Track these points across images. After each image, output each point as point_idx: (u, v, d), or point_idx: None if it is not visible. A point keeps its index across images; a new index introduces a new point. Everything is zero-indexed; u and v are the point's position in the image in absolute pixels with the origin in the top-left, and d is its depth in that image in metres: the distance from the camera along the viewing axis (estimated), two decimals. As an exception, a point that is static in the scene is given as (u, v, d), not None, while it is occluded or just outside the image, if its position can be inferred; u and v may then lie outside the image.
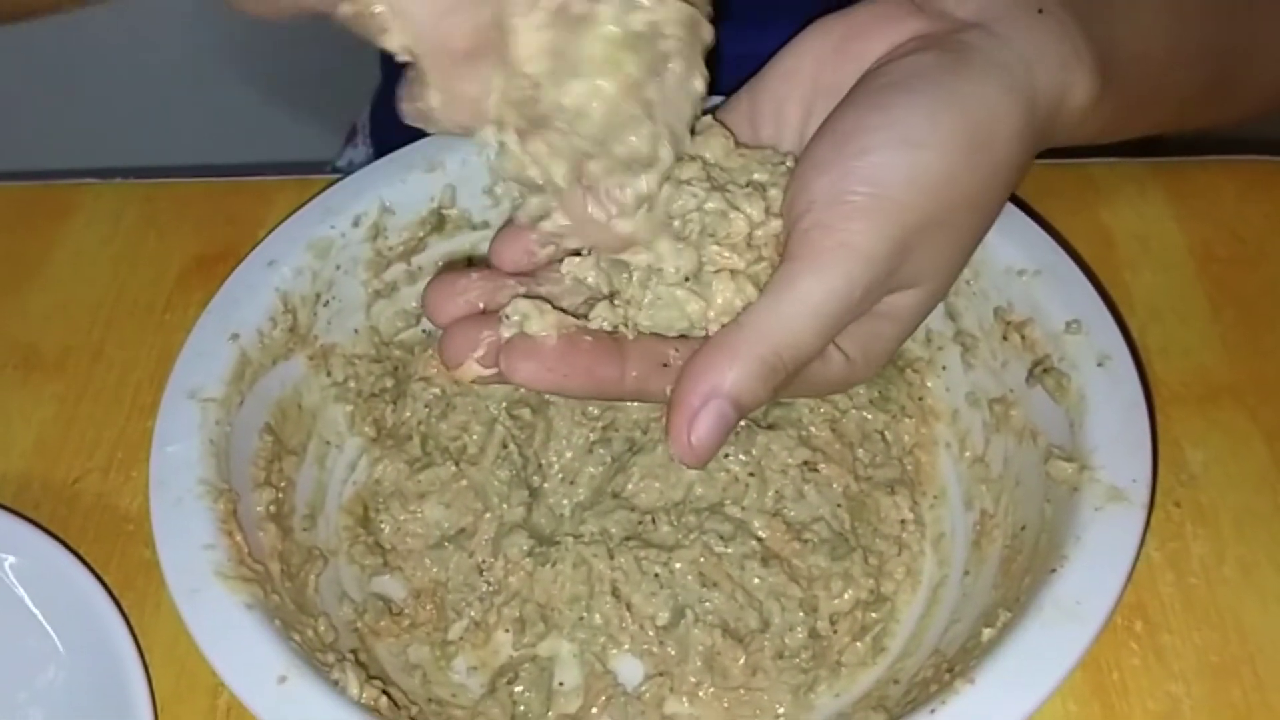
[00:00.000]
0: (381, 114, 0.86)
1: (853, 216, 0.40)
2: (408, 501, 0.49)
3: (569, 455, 0.50)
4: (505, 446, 0.49)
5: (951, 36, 0.44)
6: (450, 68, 0.38)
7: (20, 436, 0.53)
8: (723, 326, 0.42)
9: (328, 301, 0.51)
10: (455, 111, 0.39)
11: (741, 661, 0.45)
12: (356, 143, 0.88)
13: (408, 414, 0.51)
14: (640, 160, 0.40)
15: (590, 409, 0.50)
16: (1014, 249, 0.48)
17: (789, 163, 0.44)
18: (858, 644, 0.46)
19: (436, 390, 0.51)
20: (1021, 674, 0.37)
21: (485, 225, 0.54)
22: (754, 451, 0.48)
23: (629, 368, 0.42)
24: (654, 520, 0.47)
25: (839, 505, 0.48)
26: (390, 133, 0.83)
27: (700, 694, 0.45)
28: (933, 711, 0.37)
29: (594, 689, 0.46)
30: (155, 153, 1.00)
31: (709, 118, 0.45)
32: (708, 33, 0.40)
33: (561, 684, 0.46)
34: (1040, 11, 0.45)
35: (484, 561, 0.48)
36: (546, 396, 0.50)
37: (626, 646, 0.46)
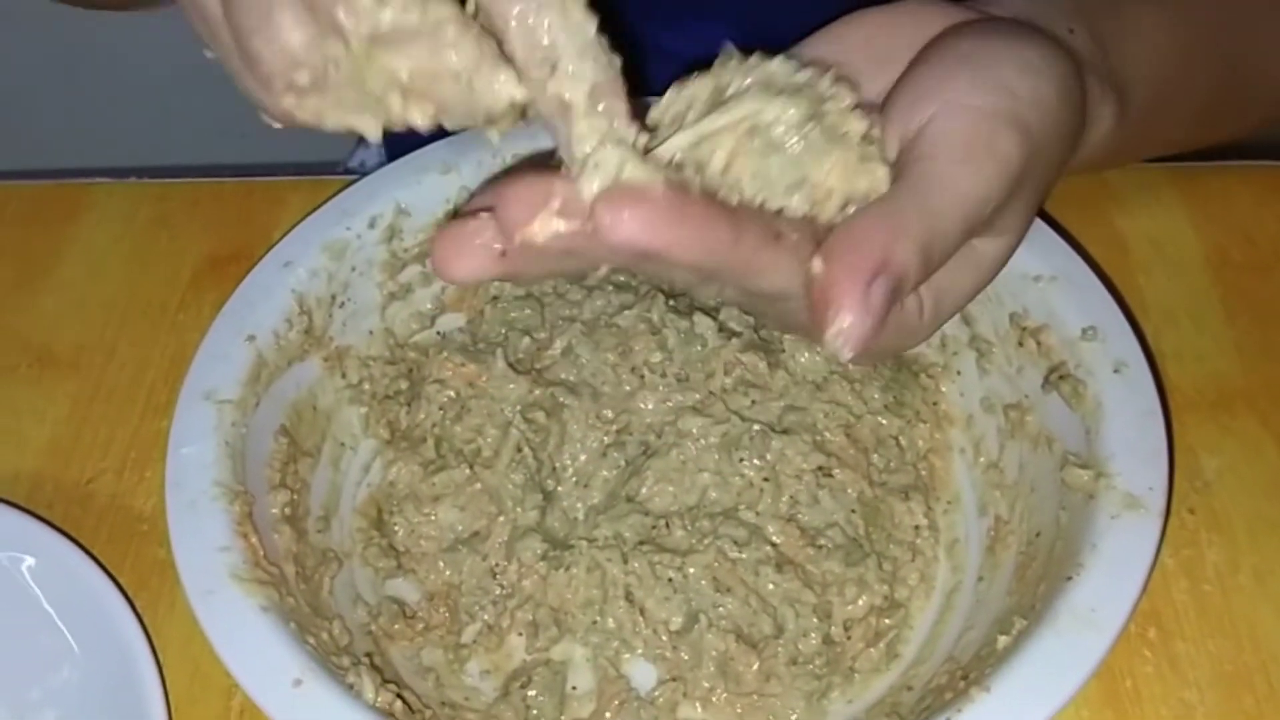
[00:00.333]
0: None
1: (994, 123, 0.38)
2: (422, 504, 0.50)
3: (583, 458, 0.49)
4: (519, 450, 0.49)
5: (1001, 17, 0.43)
6: None
7: (34, 436, 0.53)
8: (856, 210, 0.37)
9: (343, 303, 0.51)
10: None
11: (755, 667, 0.45)
12: (369, 143, 0.88)
13: (422, 416, 0.51)
14: None
15: (605, 411, 0.50)
16: (1030, 254, 0.48)
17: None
18: (871, 650, 0.46)
19: (451, 393, 0.51)
20: (1038, 683, 0.37)
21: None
22: (768, 456, 0.48)
23: (743, 232, 0.35)
24: (668, 525, 0.47)
25: (853, 510, 0.48)
26: (401, 133, 0.83)
27: (713, 699, 0.45)
28: (949, 720, 0.37)
29: (607, 693, 0.46)
30: (168, 152, 1.00)
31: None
32: None
33: (574, 688, 0.46)
34: (1071, 31, 0.45)
35: (498, 565, 0.48)
36: (562, 399, 0.49)
37: (640, 651, 0.46)
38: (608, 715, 0.45)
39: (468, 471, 0.49)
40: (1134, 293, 0.55)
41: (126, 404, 0.54)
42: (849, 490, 0.48)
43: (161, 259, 0.60)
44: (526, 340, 0.52)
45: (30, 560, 0.46)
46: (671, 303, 0.51)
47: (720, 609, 0.45)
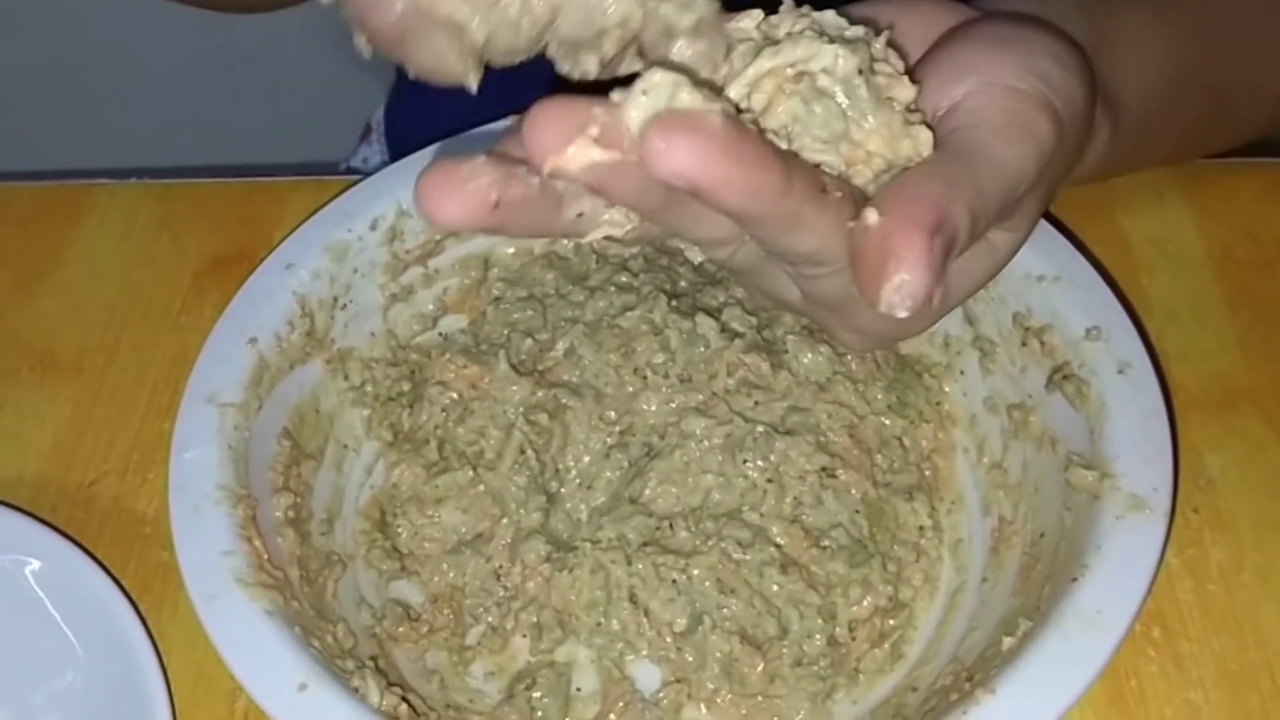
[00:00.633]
0: (396, 112, 0.86)
1: (1033, 106, 0.38)
2: (425, 506, 0.49)
3: (586, 460, 0.49)
4: (523, 451, 0.49)
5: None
6: None
7: (36, 439, 0.53)
8: (902, 170, 0.36)
9: (345, 305, 0.51)
10: None
11: (759, 668, 0.45)
12: (371, 141, 0.88)
13: (425, 418, 0.51)
14: None
15: (608, 413, 0.50)
16: (1033, 254, 0.48)
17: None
18: (876, 651, 0.46)
19: (453, 395, 0.51)
20: (1043, 684, 0.37)
21: (502, 228, 0.54)
22: (772, 457, 0.47)
23: (794, 180, 0.33)
24: (672, 526, 0.47)
25: (857, 511, 0.47)
26: (404, 131, 0.84)
27: (718, 701, 0.45)
28: (954, 722, 0.37)
29: (611, 695, 0.46)
30: (169, 153, 1.00)
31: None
32: None
33: (579, 690, 0.46)
34: (1079, 50, 0.45)
35: (501, 567, 0.48)
36: (565, 400, 0.49)
37: (644, 653, 0.46)
38: (612, 717, 0.45)
39: (471, 473, 0.49)
40: (1137, 292, 0.55)
41: (128, 406, 0.54)
42: (853, 491, 0.48)
43: (163, 260, 0.60)
44: (529, 342, 0.52)
45: (34, 563, 0.46)
46: (674, 304, 0.51)
47: (724, 610, 0.45)
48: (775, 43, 0.35)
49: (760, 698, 0.45)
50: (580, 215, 0.35)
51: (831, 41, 0.35)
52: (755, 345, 0.50)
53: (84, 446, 0.53)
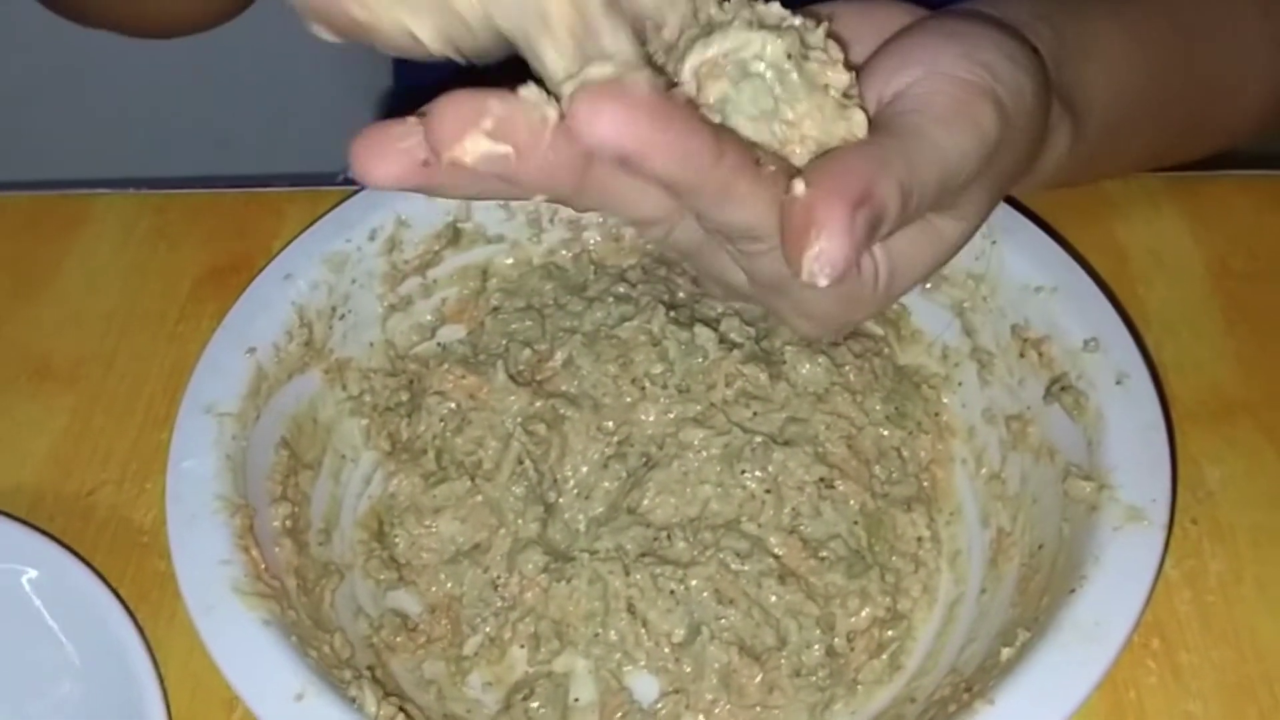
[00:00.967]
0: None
1: (976, 95, 0.38)
2: (423, 516, 0.49)
3: (584, 470, 0.49)
4: (520, 462, 0.49)
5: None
6: None
7: (34, 448, 0.53)
8: (827, 152, 0.36)
9: (343, 315, 0.51)
10: None
11: (758, 679, 0.45)
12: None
13: (423, 428, 0.51)
14: None
15: (606, 423, 0.50)
16: (1031, 265, 0.48)
17: None
18: (874, 662, 0.46)
19: (452, 405, 0.51)
20: (1041, 696, 0.37)
21: (500, 239, 0.54)
22: (770, 468, 0.47)
23: (725, 150, 0.33)
24: (670, 536, 0.47)
25: (855, 522, 0.47)
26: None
27: (716, 711, 0.45)
28: (953, 733, 0.37)
29: (609, 705, 0.46)
30: (167, 164, 1.00)
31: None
32: None
33: (576, 700, 0.46)
34: (1034, 51, 0.45)
35: (499, 577, 0.48)
36: (562, 411, 0.49)
37: (642, 663, 0.46)
38: (610, 727, 0.45)
39: (469, 483, 0.49)
40: (1134, 302, 0.55)
41: (126, 415, 0.54)
42: (851, 502, 0.48)
43: (161, 270, 0.60)
44: (527, 352, 0.52)
45: (31, 573, 0.46)
46: (672, 314, 0.51)
47: (722, 621, 0.45)
48: (711, 32, 0.36)
49: (758, 708, 0.45)
50: None
51: (766, 29, 0.36)
52: (753, 356, 0.50)
53: (81, 456, 0.53)
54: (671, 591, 0.46)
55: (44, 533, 0.47)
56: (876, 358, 0.51)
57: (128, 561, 0.49)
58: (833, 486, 0.48)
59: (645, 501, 0.48)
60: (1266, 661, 0.45)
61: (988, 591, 0.46)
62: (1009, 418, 0.48)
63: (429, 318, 0.54)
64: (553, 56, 0.33)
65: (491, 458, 0.50)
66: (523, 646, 0.47)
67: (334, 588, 0.47)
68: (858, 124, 0.37)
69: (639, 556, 0.47)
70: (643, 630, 0.46)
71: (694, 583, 0.46)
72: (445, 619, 0.48)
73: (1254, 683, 0.45)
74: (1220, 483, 0.50)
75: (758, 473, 0.48)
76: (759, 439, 0.48)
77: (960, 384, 0.51)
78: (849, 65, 0.38)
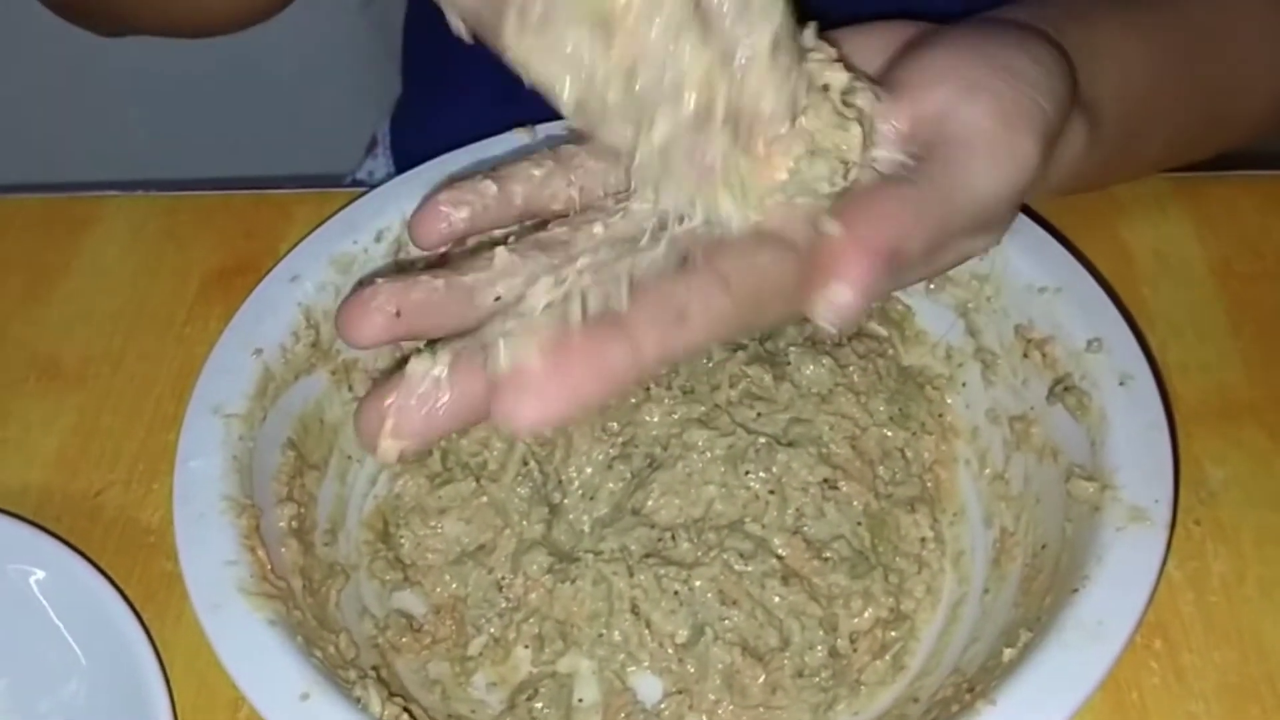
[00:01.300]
0: (401, 125, 0.86)
1: (1021, 123, 0.38)
2: (428, 517, 0.50)
3: (589, 471, 0.50)
4: (525, 463, 0.49)
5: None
6: None
7: (42, 448, 0.54)
8: (884, 180, 0.37)
9: (349, 316, 0.51)
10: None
11: (761, 680, 0.45)
12: (376, 153, 0.88)
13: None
14: None
15: (610, 424, 0.50)
16: (1034, 266, 0.48)
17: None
18: (877, 662, 0.46)
19: (457, 406, 0.51)
20: (1043, 695, 0.37)
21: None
22: (774, 469, 0.48)
23: (640, 339, 0.34)
24: (674, 537, 0.47)
25: (859, 523, 0.48)
26: (410, 144, 0.84)
27: (719, 712, 0.45)
28: (954, 732, 0.37)
29: (613, 706, 0.46)
30: (176, 166, 1.00)
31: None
32: None
33: (580, 700, 0.46)
34: (1063, 53, 0.45)
35: (504, 578, 0.48)
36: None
37: (646, 664, 0.46)
38: (614, 727, 0.46)
39: (474, 484, 0.50)
40: (1139, 304, 0.55)
41: (134, 416, 0.55)
42: (855, 503, 0.48)
43: (169, 272, 0.60)
44: (532, 353, 0.52)
45: (38, 573, 0.46)
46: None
47: (726, 621, 0.46)
48: None
49: (762, 709, 0.45)
50: (498, 299, 0.37)
51: None
52: (757, 357, 0.50)
53: (89, 456, 0.53)
54: (675, 592, 0.46)
55: (51, 533, 0.47)
56: (880, 358, 0.52)
57: (134, 562, 0.50)
58: (836, 487, 0.48)
59: (649, 502, 0.48)
60: (1270, 662, 0.45)
61: (991, 592, 0.46)
62: (1012, 418, 0.49)
63: (435, 319, 0.54)
64: (662, 130, 0.34)
65: (496, 459, 0.50)
66: (527, 647, 0.47)
67: (339, 588, 0.47)
68: (853, 142, 0.37)
69: (643, 557, 0.47)
70: (646, 631, 0.46)
71: (698, 583, 0.46)
72: (450, 619, 0.48)
73: (1257, 683, 0.45)
74: (1224, 484, 0.50)
75: (761, 473, 0.48)
76: (763, 440, 0.48)
77: (964, 385, 0.51)
78: (848, 67, 0.38)
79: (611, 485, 0.49)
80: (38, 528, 0.47)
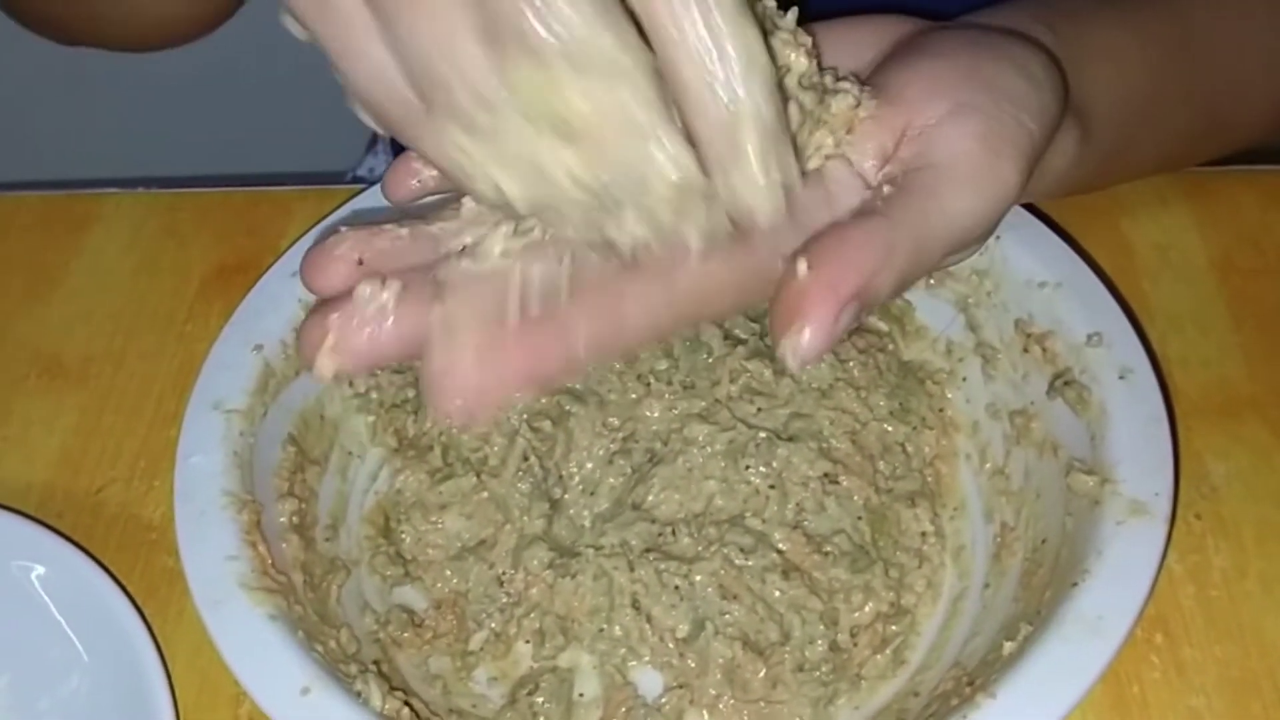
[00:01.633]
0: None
1: (1005, 148, 0.38)
2: (429, 512, 0.50)
3: (589, 466, 0.50)
4: (526, 458, 0.49)
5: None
6: None
7: (43, 446, 0.54)
8: (869, 207, 0.37)
9: (349, 312, 0.51)
10: None
11: (762, 674, 0.45)
12: (377, 151, 0.88)
13: (429, 425, 0.51)
14: None
15: (611, 419, 0.50)
16: (1034, 261, 0.48)
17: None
18: (878, 657, 0.46)
19: (458, 401, 0.51)
20: (1043, 689, 0.37)
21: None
22: (774, 464, 0.48)
23: (574, 336, 0.34)
24: (674, 532, 0.47)
25: (859, 518, 0.48)
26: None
27: (720, 706, 0.45)
28: (954, 726, 0.37)
29: (614, 700, 0.46)
30: (176, 163, 1.00)
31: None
32: None
33: (581, 695, 0.46)
34: (1054, 61, 0.45)
35: (504, 573, 0.48)
36: (568, 407, 0.50)
37: (646, 658, 0.47)
38: (615, 722, 0.46)
39: (474, 480, 0.50)
40: (1140, 298, 0.55)
41: (135, 413, 0.55)
42: (855, 497, 0.48)
43: (170, 269, 0.60)
44: (532, 348, 0.52)
45: (40, 569, 0.46)
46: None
47: (727, 616, 0.46)
48: None
49: (762, 703, 0.45)
50: (465, 246, 0.36)
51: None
52: (758, 351, 0.50)
53: (91, 454, 0.53)
54: (676, 587, 0.46)
55: (53, 529, 0.47)
56: (881, 353, 0.52)
57: (136, 558, 0.50)
58: (837, 482, 0.48)
59: (650, 497, 0.48)
60: (1270, 657, 0.45)
61: (991, 586, 0.46)
62: (1013, 413, 0.49)
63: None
64: (632, 223, 0.32)
65: (497, 454, 0.50)
66: (528, 642, 0.47)
67: (340, 583, 0.47)
68: (825, 142, 0.37)
69: (643, 552, 0.47)
70: (647, 625, 0.46)
71: (698, 578, 0.46)
72: (451, 614, 0.48)
73: (1258, 678, 0.45)
74: (1225, 478, 0.50)
75: (762, 468, 0.48)
76: (763, 434, 0.48)
77: (964, 379, 0.51)
78: (869, 84, 0.38)
79: (612, 480, 0.49)
80: (39, 523, 0.47)
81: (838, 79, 0.38)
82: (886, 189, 0.37)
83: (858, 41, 0.42)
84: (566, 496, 0.49)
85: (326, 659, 0.41)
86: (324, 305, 0.34)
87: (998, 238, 0.48)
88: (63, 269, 0.61)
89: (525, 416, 0.50)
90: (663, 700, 0.46)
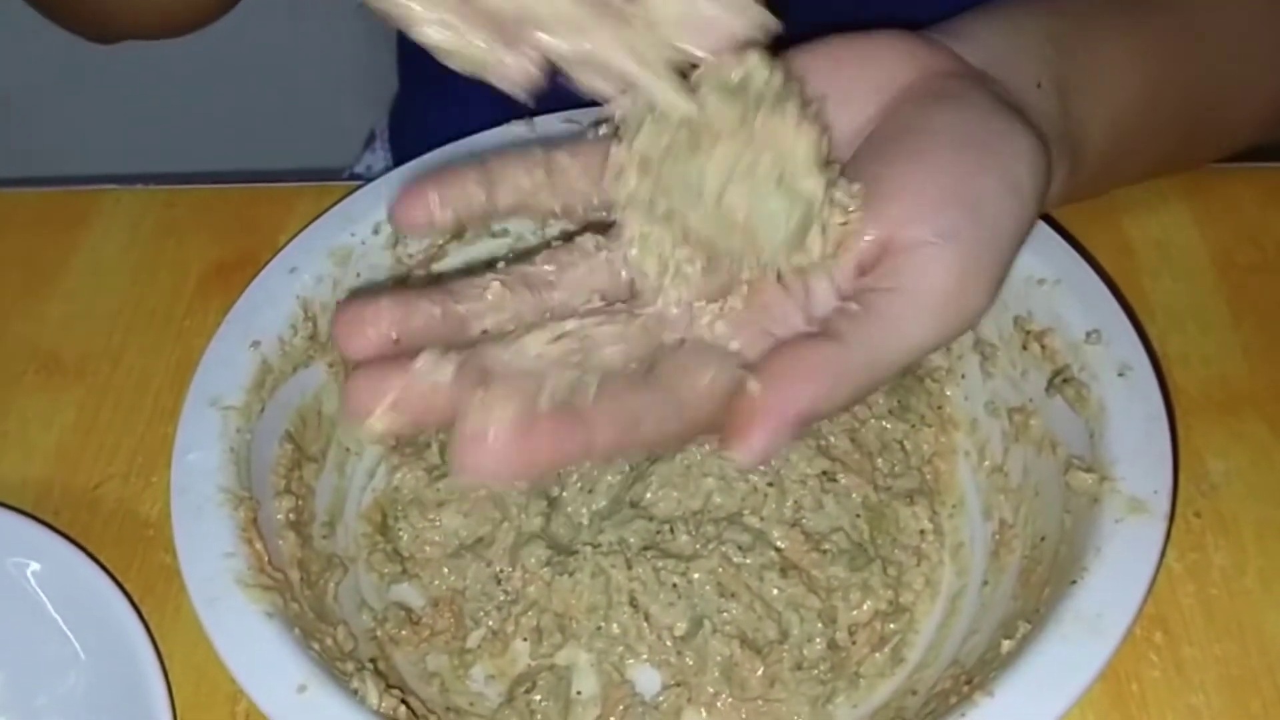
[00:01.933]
0: (400, 120, 0.86)
1: (978, 273, 0.39)
2: (426, 509, 0.50)
3: (587, 464, 0.49)
4: (524, 456, 0.49)
5: (977, 84, 0.43)
6: None
7: (41, 442, 0.54)
8: (830, 328, 0.39)
9: (347, 309, 0.51)
10: None
11: (760, 672, 0.45)
12: (375, 148, 0.88)
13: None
14: None
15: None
16: (1034, 258, 0.48)
17: None
18: (876, 655, 0.46)
19: (455, 398, 0.51)
20: (1041, 687, 0.37)
21: (505, 233, 0.54)
22: (773, 462, 0.48)
23: (597, 434, 0.36)
24: (672, 530, 0.47)
25: (858, 515, 0.48)
26: (408, 138, 0.84)
27: (718, 704, 0.45)
28: (952, 724, 0.37)
29: (612, 698, 0.46)
30: (174, 159, 1.00)
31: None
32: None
33: (579, 693, 0.46)
34: (1039, 86, 0.45)
35: (502, 571, 0.48)
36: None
37: (644, 656, 0.46)
38: (612, 720, 0.46)
39: (473, 477, 0.50)
40: (1139, 296, 0.55)
41: (133, 410, 0.55)
42: (853, 495, 0.48)
43: (167, 265, 0.60)
44: (531, 346, 0.52)
45: (36, 566, 0.46)
46: (675, 308, 0.51)
47: (725, 614, 0.45)
48: None
49: (760, 701, 0.45)
50: (485, 331, 0.40)
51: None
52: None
53: (88, 450, 0.53)
54: (674, 585, 0.46)
55: (49, 526, 0.47)
56: (880, 351, 0.51)
57: (133, 555, 0.50)
58: (835, 480, 0.48)
59: (648, 495, 0.48)
60: (1270, 655, 0.45)
61: (990, 584, 0.46)
62: (1011, 410, 0.48)
63: (433, 312, 0.54)
64: None
65: (495, 452, 0.50)
66: (525, 640, 0.47)
67: (337, 581, 0.47)
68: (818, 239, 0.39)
69: (641, 550, 0.47)
70: (645, 623, 0.46)
71: (696, 576, 0.46)
72: (448, 612, 0.48)
73: (1257, 676, 0.45)
74: (1225, 476, 0.50)
75: (760, 466, 0.48)
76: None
77: (963, 377, 0.51)
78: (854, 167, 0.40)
79: (610, 478, 0.49)
80: (35, 520, 0.47)
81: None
82: (853, 307, 0.39)
83: (866, 88, 0.42)
84: (564, 494, 0.49)
85: (323, 656, 0.41)
86: (369, 368, 0.37)
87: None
88: (60, 265, 0.61)
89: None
90: (660, 698, 0.46)
